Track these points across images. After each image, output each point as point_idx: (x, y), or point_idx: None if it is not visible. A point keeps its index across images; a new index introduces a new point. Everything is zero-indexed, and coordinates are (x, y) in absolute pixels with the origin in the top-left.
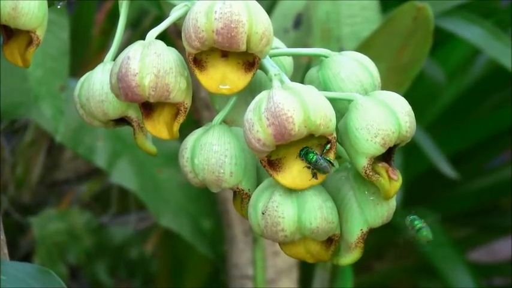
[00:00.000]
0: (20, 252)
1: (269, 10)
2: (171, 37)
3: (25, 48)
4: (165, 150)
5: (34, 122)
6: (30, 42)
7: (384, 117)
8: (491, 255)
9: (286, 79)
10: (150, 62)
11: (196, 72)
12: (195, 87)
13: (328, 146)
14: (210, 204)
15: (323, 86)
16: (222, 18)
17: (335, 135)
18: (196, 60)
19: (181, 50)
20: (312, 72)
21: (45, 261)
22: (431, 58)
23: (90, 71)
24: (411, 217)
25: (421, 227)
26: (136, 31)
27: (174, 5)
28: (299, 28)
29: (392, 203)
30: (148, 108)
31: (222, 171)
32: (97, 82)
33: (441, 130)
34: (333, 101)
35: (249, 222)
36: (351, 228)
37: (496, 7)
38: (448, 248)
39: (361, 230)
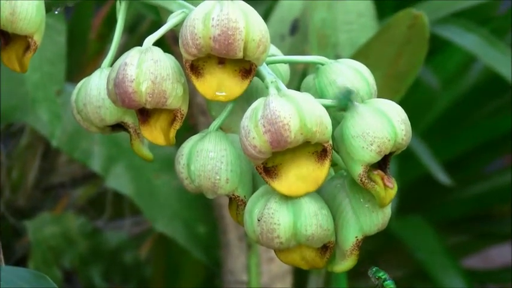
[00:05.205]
0: (15, 256)
1: (266, 16)
2: (168, 43)
3: (22, 54)
4: (161, 156)
5: (30, 126)
6: (27, 47)
7: (380, 125)
8: (487, 262)
9: (283, 86)
10: (147, 69)
11: (193, 78)
12: (191, 93)
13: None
14: (205, 210)
15: (319, 94)
16: (219, 25)
17: (331, 143)
18: (193, 67)
19: (178, 56)
20: (309, 79)
21: (40, 265)
22: (426, 65)
23: (88, 77)
24: (374, 269)
25: (386, 278)
26: (133, 36)
27: (171, 11)
28: (295, 34)
29: (388, 211)
30: (145, 114)
31: (218, 177)
32: (94, 88)
33: (436, 137)
34: (329, 108)
35: (244, 228)
36: (346, 236)
37: (492, 14)
38: (442, 255)
39: (356, 237)
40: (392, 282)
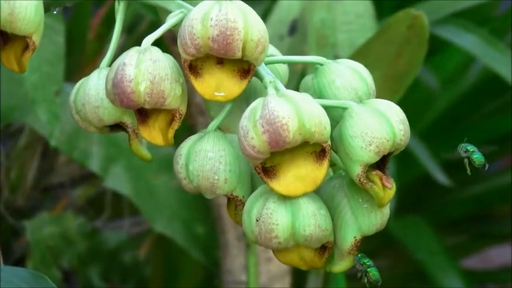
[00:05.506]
0: (14, 256)
1: (264, 16)
2: (167, 43)
3: (21, 54)
4: (159, 156)
5: (29, 126)
6: (26, 47)
7: (379, 125)
8: (486, 262)
9: (281, 86)
10: (145, 69)
11: (192, 79)
12: (189, 93)
13: None
14: (204, 210)
15: (318, 94)
16: (218, 25)
17: (329, 143)
18: (192, 67)
19: (176, 55)
20: (307, 80)
21: (39, 265)
22: (426, 65)
23: (86, 77)
24: (359, 255)
25: (370, 264)
26: (132, 36)
27: (170, 12)
28: (294, 35)
29: (386, 211)
30: (143, 114)
31: (216, 177)
32: (92, 88)
33: (435, 137)
34: (327, 108)
35: (242, 228)
36: (344, 236)
37: (492, 14)
38: (441, 255)
39: (355, 237)
40: (375, 269)
